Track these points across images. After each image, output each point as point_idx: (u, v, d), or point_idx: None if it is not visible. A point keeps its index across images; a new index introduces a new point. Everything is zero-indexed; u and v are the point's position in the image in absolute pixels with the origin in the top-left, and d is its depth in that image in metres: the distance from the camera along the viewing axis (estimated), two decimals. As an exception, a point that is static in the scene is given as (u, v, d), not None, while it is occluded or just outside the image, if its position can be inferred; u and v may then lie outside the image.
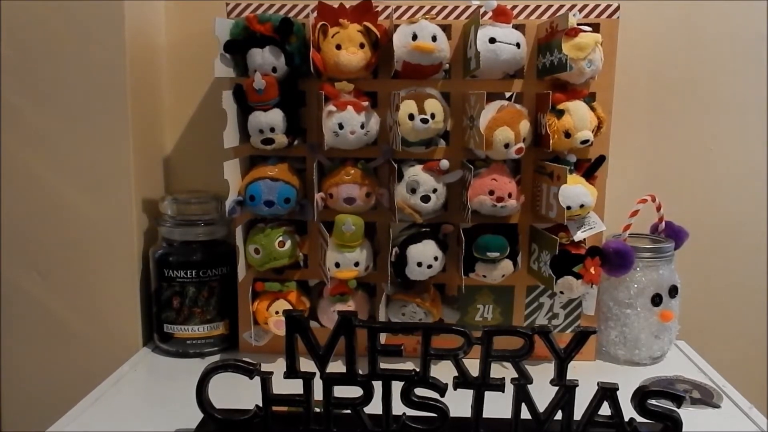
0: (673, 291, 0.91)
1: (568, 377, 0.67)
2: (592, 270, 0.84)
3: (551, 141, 0.81)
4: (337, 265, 0.85)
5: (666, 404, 0.67)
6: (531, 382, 0.68)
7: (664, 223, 0.95)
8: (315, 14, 0.83)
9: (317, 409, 0.69)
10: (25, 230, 0.94)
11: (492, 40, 0.80)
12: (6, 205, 0.93)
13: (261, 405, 0.69)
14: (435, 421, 0.69)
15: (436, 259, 0.85)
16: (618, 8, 0.85)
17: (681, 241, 0.94)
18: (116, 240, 0.93)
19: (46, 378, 0.97)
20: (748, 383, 0.87)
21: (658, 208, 0.94)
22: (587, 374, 0.68)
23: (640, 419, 0.67)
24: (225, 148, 0.82)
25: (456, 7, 0.86)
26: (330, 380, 0.68)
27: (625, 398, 0.67)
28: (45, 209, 0.93)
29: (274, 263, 0.87)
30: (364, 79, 0.85)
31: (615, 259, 0.86)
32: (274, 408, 0.69)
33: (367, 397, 0.69)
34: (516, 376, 0.68)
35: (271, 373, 0.69)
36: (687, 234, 0.94)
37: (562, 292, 0.86)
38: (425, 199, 0.83)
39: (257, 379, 0.68)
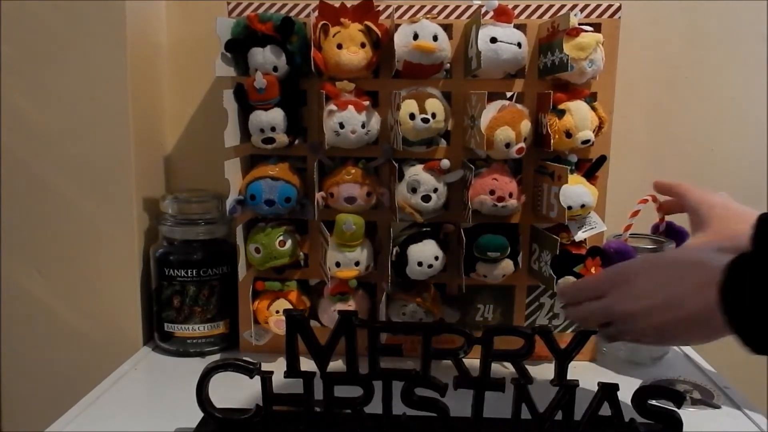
0: (674, 291, 0.91)
1: (568, 377, 0.67)
2: (592, 270, 0.84)
3: (552, 141, 0.81)
4: (338, 264, 0.85)
5: (666, 404, 0.67)
6: (531, 382, 0.68)
7: (664, 223, 0.95)
8: (316, 13, 0.83)
9: (317, 409, 0.69)
10: (26, 229, 0.94)
11: (493, 40, 0.80)
12: (6, 204, 0.93)
13: (261, 404, 0.69)
14: (435, 421, 0.69)
15: (436, 258, 0.85)
16: (619, 8, 0.85)
17: (682, 241, 0.94)
18: (117, 239, 0.93)
19: (46, 377, 0.97)
20: (748, 383, 0.87)
21: (659, 209, 0.94)
22: (587, 374, 0.68)
23: (640, 419, 0.67)
24: (226, 147, 0.82)
25: (457, 7, 0.86)
26: (330, 380, 0.68)
27: (625, 398, 0.67)
28: (45, 208, 0.93)
29: (274, 262, 0.87)
30: (365, 79, 0.85)
31: (616, 258, 0.86)
32: (275, 407, 0.69)
33: (368, 396, 0.69)
34: (516, 376, 0.68)
35: (272, 372, 0.69)
36: (688, 234, 0.94)
37: (562, 292, 0.86)
38: (426, 198, 0.83)
39: (257, 379, 0.68)
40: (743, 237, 0.59)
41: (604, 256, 0.85)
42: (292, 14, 0.86)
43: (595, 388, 0.67)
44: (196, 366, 0.74)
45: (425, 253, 0.84)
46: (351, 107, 0.81)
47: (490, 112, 0.81)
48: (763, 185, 1.03)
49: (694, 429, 0.71)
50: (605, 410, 0.67)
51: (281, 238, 0.86)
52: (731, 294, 0.53)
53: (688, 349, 0.98)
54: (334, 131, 0.82)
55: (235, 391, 0.68)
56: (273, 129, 0.83)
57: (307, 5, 0.86)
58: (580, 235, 0.85)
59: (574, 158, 0.86)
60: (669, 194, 0.88)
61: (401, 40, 0.80)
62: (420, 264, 0.84)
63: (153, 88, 0.99)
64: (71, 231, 0.93)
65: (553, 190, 0.82)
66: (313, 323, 0.86)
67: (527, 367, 0.68)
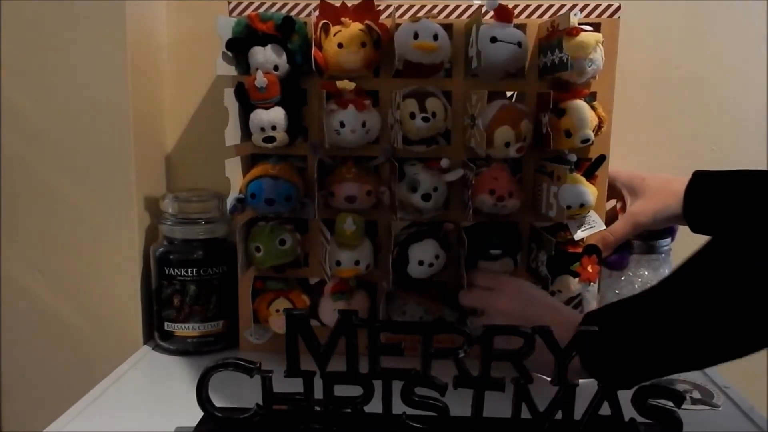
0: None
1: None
2: (589, 268, 0.84)
3: (552, 140, 0.81)
4: (338, 263, 0.85)
5: (666, 404, 0.67)
6: (531, 382, 0.68)
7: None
8: (317, 13, 0.83)
9: (317, 408, 0.69)
10: (26, 228, 0.94)
11: (493, 39, 0.80)
12: (6, 203, 0.93)
13: (261, 403, 0.70)
14: (435, 421, 0.69)
15: (437, 257, 0.85)
16: (619, 8, 0.85)
17: (674, 232, 0.94)
18: (117, 238, 0.93)
19: (46, 376, 0.97)
20: (748, 383, 0.87)
21: None
22: (588, 374, 0.68)
23: (640, 419, 0.67)
24: (226, 146, 0.81)
25: (457, 7, 0.86)
26: (330, 379, 0.68)
27: (625, 398, 0.67)
28: (45, 207, 0.93)
29: (274, 261, 0.87)
30: (365, 78, 0.85)
31: (612, 254, 0.87)
32: (275, 407, 0.69)
33: (368, 396, 0.69)
34: (516, 375, 0.68)
35: (272, 371, 0.69)
36: (677, 229, 0.94)
37: (560, 291, 0.86)
38: (426, 197, 0.83)
39: (258, 378, 0.68)
40: (681, 195, 0.83)
41: (601, 254, 0.86)
42: (293, 13, 0.86)
43: (595, 388, 0.67)
44: (196, 365, 0.74)
45: (426, 252, 0.84)
46: (351, 106, 0.81)
47: (490, 111, 0.81)
48: (763, 185, 1.03)
49: (694, 429, 0.71)
50: (605, 410, 0.67)
51: (281, 237, 0.86)
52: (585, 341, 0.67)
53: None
54: (334, 130, 0.82)
55: (235, 391, 0.68)
56: (273, 128, 0.83)
57: (308, 4, 0.86)
58: (579, 234, 0.85)
59: (573, 157, 0.86)
60: None
61: (402, 39, 0.80)
62: (421, 263, 0.84)
63: (153, 87, 0.99)
64: (71, 230, 0.93)
65: (552, 190, 0.82)
66: (313, 322, 0.86)
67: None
